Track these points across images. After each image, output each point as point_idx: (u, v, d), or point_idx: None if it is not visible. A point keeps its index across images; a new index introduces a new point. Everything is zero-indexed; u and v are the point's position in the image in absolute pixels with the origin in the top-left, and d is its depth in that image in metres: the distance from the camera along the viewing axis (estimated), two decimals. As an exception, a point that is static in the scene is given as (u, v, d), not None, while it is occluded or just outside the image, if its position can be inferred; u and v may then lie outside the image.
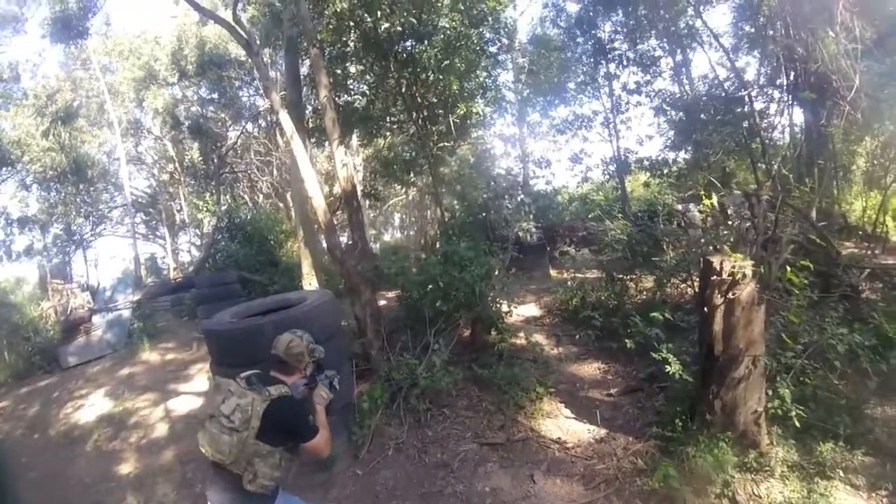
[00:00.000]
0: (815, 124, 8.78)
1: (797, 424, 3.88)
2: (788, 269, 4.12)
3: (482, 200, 9.71)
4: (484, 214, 9.56)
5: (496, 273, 6.58)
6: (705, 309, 3.77)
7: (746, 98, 11.17)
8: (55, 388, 8.06)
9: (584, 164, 17.12)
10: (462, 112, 12.71)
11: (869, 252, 6.73)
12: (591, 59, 16.02)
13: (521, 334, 6.78)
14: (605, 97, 16.21)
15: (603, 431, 4.71)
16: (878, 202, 8.61)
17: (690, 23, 13.47)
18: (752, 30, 12.41)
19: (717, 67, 13.41)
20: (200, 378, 7.69)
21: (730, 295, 3.65)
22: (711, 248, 5.30)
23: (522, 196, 11.58)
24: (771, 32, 9.23)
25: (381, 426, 5.05)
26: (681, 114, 13.30)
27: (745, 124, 10.79)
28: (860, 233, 8.90)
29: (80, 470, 5.51)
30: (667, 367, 4.16)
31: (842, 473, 3.74)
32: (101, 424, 6.48)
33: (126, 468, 5.45)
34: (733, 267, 3.64)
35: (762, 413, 3.93)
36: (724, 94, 12.23)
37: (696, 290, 4.64)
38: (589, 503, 3.81)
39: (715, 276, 3.68)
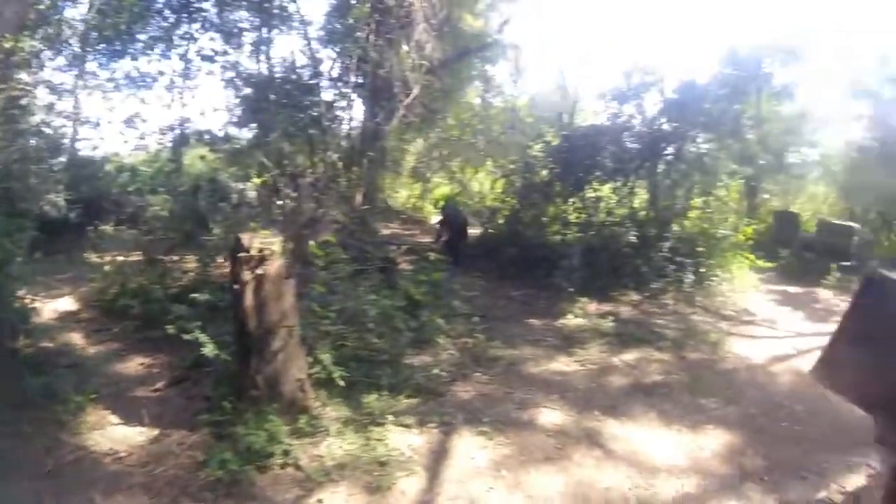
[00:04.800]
0: (371, 121, 10.23)
1: (342, 384, 4.47)
2: (312, 244, 4.78)
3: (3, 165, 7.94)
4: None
5: (18, 260, 5.56)
6: (236, 286, 4.03)
7: (317, 87, 12.26)
8: None
9: (139, 129, 15.82)
10: (8, 46, 10.24)
11: (408, 232, 8.35)
12: (174, 14, 14.81)
13: (55, 334, 6.03)
14: (178, 59, 14.92)
15: (155, 431, 4.46)
16: (419, 192, 10.91)
17: (285, 4, 13.84)
18: (341, 27, 13.52)
19: (298, 53, 14.20)
20: None
21: (258, 270, 3.97)
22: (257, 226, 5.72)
23: (53, 161, 9.92)
24: (358, 34, 10.28)
25: None
26: (251, 91, 13.68)
27: (314, 112, 11.88)
28: (404, 216, 10.97)
29: None
30: (203, 349, 4.27)
31: (392, 418, 4.44)
32: None
33: None
34: (262, 243, 4.00)
35: (306, 380, 4.37)
36: (297, 80, 13.14)
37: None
38: (159, 511, 3.68)
39: (244, 253, 3.97)
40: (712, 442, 4.79)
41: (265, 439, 3.89)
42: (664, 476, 4.24)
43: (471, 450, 4.35)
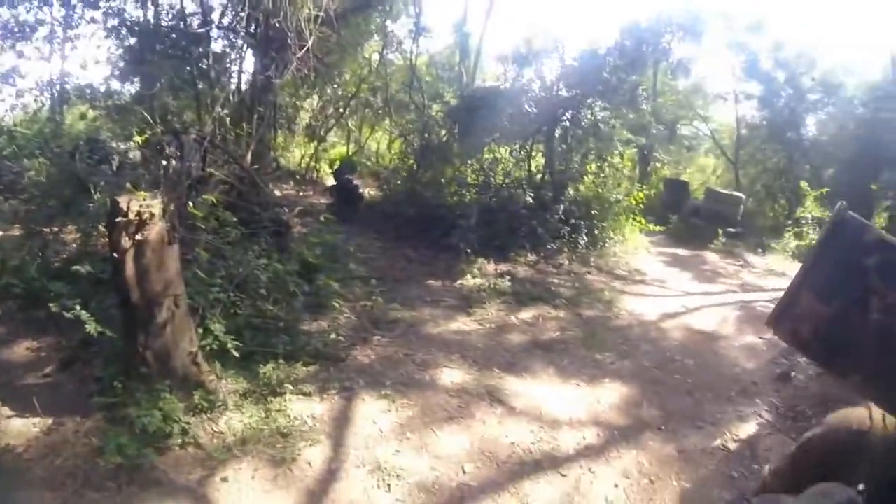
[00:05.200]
0: (262, 74, 9.71)
1: (236, 354, 4.32)
2: (191, 205, 4.52)
3: None
4: None
5: None
6: (115, 254, 3.74)
7: (207, 37, 11.48)
8: None
9: (17, 86, 14.28)
10: None
11: (302, 193, 8.13)
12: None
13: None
14: (59, 5, 13.50)
15: (49, 420, 4.20)
16: (314, 151, 10.69)
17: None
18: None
19: (187, 0, 13.21)
20: None
21: (138, 236, 3.70)
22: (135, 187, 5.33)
23: None
24: None
25: None
26: (136, 41, 12.68)
27: (202, 65, 11.15)
28: (298, 177, 10.68)
29: None
30: (87, 326, 4.01)
31: (291, 387, 4.41)
32: None
33: None
34: (140, 206, 3.69)
35: (198, 352, 4.20)
36: (186, 29, 12.24)
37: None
38: (63, 505, 3.41)
39: (122, 218, 3.67)
40: (610, 395, 5.13)
41: (160, 419, 3.73)
42: (566, 429, 4.51)
43: (374, 414, 4.41)
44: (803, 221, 12.91)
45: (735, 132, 20.63)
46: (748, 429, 4.73)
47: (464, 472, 3.84)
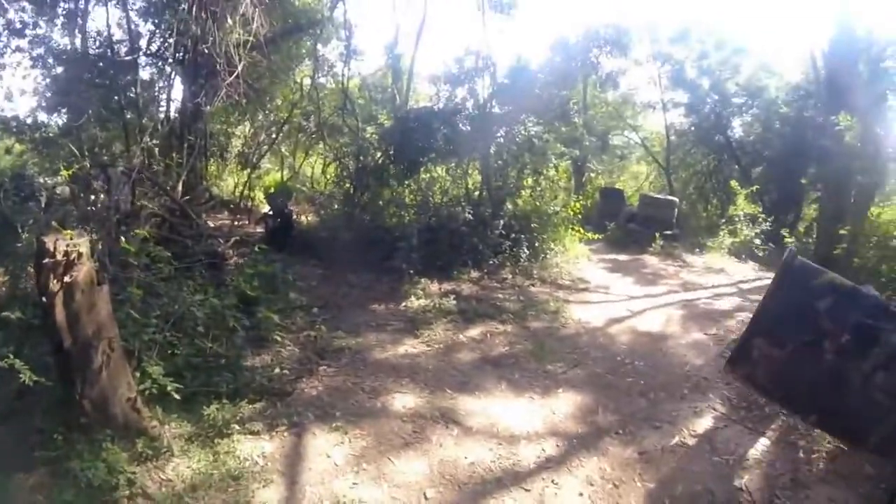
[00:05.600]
0: (192, 102, 9.51)
1: (177, 397, 4.18)
2: (125, 241, 4.37)
3: None
4: None
5: None
6: (44, 298, 3.57)
7: (134, 65, 11.16)
8: None
9: None
10: None
11: (238, 223, 7.96)
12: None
13: None
14: None
15: None
16: (247, 179, 10.53)
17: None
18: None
19: (115, 27, 12.83)
20: None
21: (66, 278, 3.55)
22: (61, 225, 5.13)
23: None
24: (182, 7, 9.48)
25: None
26: (62, 70, 12.23)
27: (131, 93, 10.84)
28: (232, 206, 10.48)
29: None
30: (21, 376, 3.80)
31: (238, 427, 4.27)
32: None
33: None
34: (67, 246, 3.55)
35: (136, 397, 4.03)
36: (113, 57, 11.89)
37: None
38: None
39: (48, 259, 3.51)
40: (565, 405, 5.21)
41: (105, 471, 3.59)
42: (524, 444, 4.55)
43: (327, 447, 4.33)
44: (736, 219, 13.60)
45: (665, 139, 21.56)
46: (704, 423, 4.89)
47: (426, 499, 3.83)
